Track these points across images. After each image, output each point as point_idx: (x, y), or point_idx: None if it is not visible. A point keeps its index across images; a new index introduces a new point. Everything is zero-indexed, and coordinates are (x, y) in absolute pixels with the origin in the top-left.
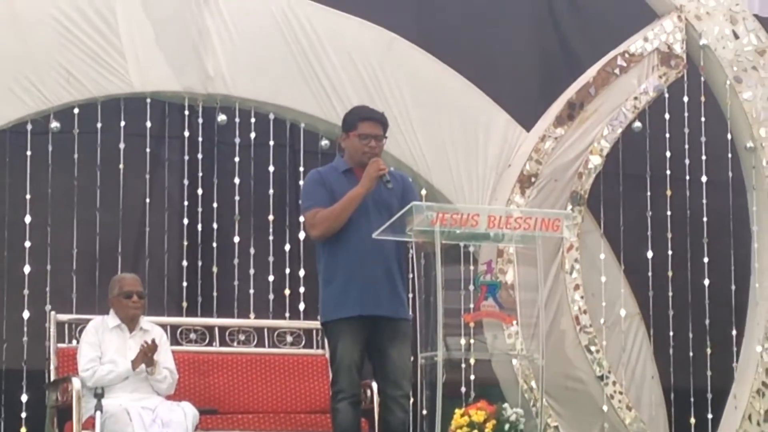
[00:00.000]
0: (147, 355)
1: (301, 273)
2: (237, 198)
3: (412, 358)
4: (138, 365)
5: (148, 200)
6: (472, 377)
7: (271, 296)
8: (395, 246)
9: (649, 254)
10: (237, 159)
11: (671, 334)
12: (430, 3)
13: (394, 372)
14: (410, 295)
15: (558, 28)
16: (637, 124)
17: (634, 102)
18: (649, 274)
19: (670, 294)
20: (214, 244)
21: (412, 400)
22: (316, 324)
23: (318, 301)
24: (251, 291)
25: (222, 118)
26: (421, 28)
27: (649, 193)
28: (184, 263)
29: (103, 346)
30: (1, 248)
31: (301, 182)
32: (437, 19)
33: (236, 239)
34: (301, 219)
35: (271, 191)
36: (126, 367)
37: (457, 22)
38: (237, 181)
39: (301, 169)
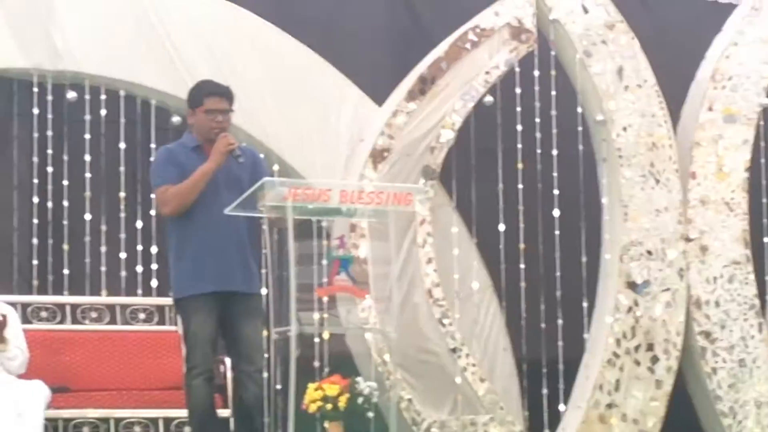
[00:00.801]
0: None
1: (153, 250)
2: (88, 175)
3: (265, 333)
4: None
5: None
6: (326, 352)
7: (123, 273)
8: (246, 221)
9: (501, 227)
10: (88, 136)
11: (523, 306)
12: None
13: (248, 347)
14: (263, 271)
15: (409, 2)
16: (489, 98)
17: (485, 76)
18: (501, 246)
19: (522, 266)
20: (65, 222)
21: (266, 375)
22: (168, 301)
23: (170, 278)
24: (103, 268)
25: (72, 95)
26: (272, 3)
27: (500, 167)
28: (34, 241)
29: None
30: None
31: (153, 159)
32: None
33: (87, 217)
34: (153, 196)
35: (122, 168)
36: None
37: None
38: (88, 158)
39: (153, 146)
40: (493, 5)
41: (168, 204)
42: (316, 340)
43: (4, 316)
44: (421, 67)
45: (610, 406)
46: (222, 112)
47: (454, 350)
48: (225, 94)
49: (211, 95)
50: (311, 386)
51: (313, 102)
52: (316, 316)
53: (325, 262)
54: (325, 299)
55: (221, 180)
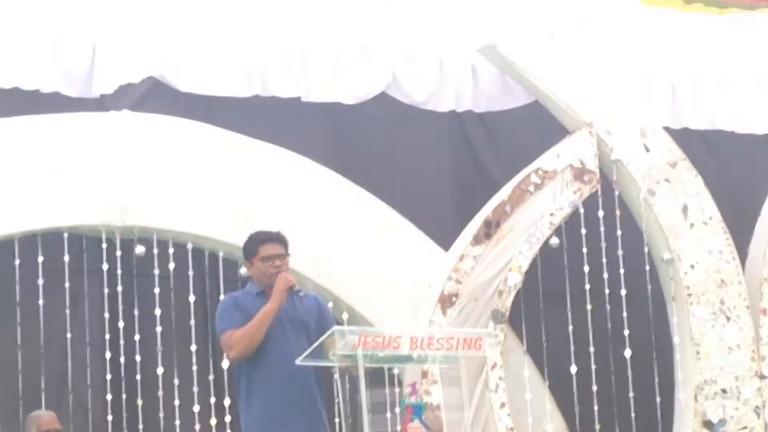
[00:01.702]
0: None
1: (227, 402)
2: (159, 329)
3: None
4: None
5: (69, 335)
6: None
7: (198, 426)
8: (313, 366)
9: (573, 369)
10: (157, 290)
11: None
12: (344, 128)
13: None
14: (336, 420)
15: (471, 147)
16: (554, 240)
17: (550, 218)
18: (574, 389)
19: (596, 408)
20: (138, 377)
21: None
22: None
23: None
24: (177, 422)
25: (140, 249)
26: (335, 152)
27: (569, 309)
28: (108, 397)
29: None
30: None
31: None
32: (351, 143)
33: (160, 371)
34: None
35: (192, 321)
36: None
37: (371, 144)
38: (158, 312)
39: (222, 297)
40: (554, 147)
41: (234, 348)
42: None
43: None
44: (486, 211)
45: None
46: (278, 257)
47: None
48: (278, 238)
49: (265, 242)
50: None
51: (380, 249)
52: None
53: (398, 409)
54: None
55: (287, 324)
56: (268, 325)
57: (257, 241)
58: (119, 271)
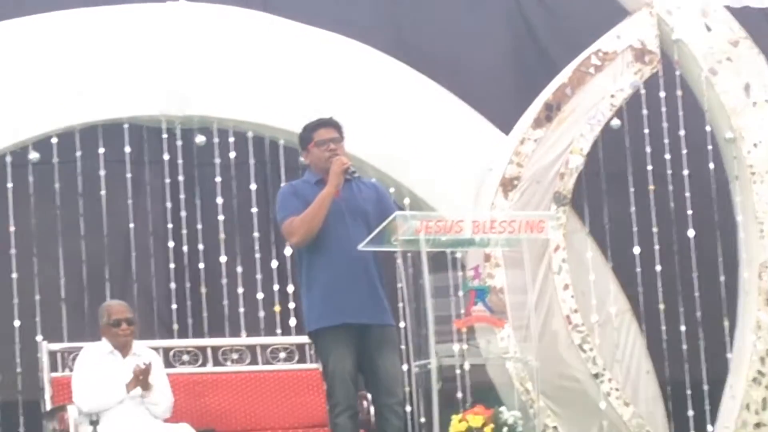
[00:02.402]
0: (140, 377)
1: (290, 289)
2: (221, 218)
3: (405, 367)
4: (132, 388)
5: (132, 225)
6: (468, 383)
7: (262, 313)
8: (373, 253)
9: (636, 250)
10: (218, 179)
11: (663, 328)
12: (404, 14)
13: (386, 380)
14: (400, 304)
15: (531, 30)
16: (616, 121)
17: (610, 100)
18: (638, 269)
19: (660, 288)
20: (201, 265)
21: (408, 408)
22: (308, 339)
23: (303, 311)
24: (241, 309)
25: (200, 139)
26: (395, 38)
27: (632, 190)
28: (172, 286)
29: (97, 372)
30: None
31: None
32: (411, 29)
33: (223, 259)
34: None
35: (254, 209)
36: (120, 391)
37: (431, 30)
38: (220, 201)
39: (283, 185)
40: (614, 28)
41: (294, 234)
42: (457, 371)
43: (147, 364)
44: (546, 94)
45: (758, 425)
46: (333, 140)
47: (596, 375)
48: (331, 123)
49: (318, 127)
50: (455, 418)
51: (441, 134)
52: (455, 347)
53: (461, 293)
54: (464, 330)
55: (346, 212)
56: (326, 209)
57: (311, 127)
58: (180, 161)
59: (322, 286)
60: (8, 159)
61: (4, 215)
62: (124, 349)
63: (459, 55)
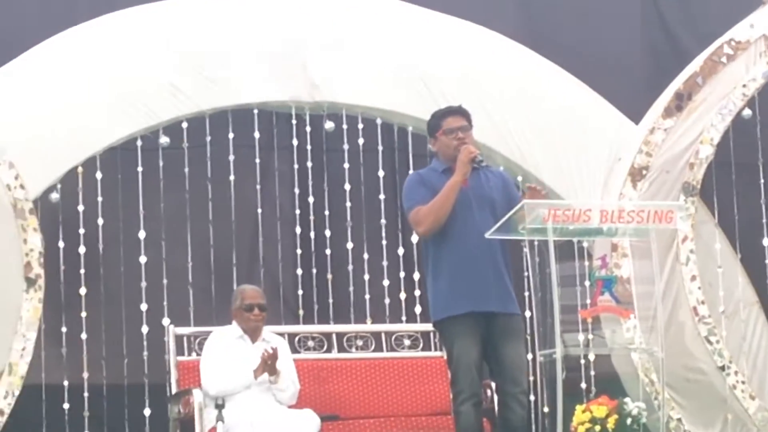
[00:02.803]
0: (268, 363)
1: (416, 276)
2: (348, 204)
3: (530, 356)
4: (260, 374)
5: (260, 210)
6: (592, 373)
7: (387, 300)
8: (500, 242)
9: (765, 242)
10: (346, 165)
11: None
12: (537, 3)
13: (511, 369)
14: (526, 293)
15: (662, 18)
16: (747, 111)
17: (742, 89)
18: (766, 261)
19: None
20: (328, 251)
21: (533, 397)
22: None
23: (429, 300)
24: (367, 296)
25: (330, 125)
26: (525, 26)
27: (762, 181)
28: (299, 271)
29: (226, 356)
30: (118, 265)
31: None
32: (539, 16)
33: (349, 245)
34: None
35: (382, 196)
36: (248, 376)
37: (561, 18)
38: (347, 187)
39: (411, 172)
40: (748, 17)
41: (422, 223)
42: (582, 361)
43: (275, 349)
44: (677, 83)
45: None
46: (461, 129)
47: (722, 368)
48: (460, 111)
49: (447, 116)
50: (579, 408)
51: (570, 122)
52: (581, 337)
53: (587, 282)
54: (589, 320)
55: (473, 200)
56: (454, 199)
57: (439, 115)
58: (309, 147)
59: (448, 274)
60: (139, 143)
61: (134, 199)
62: (253, 334)
63: (589, 42)
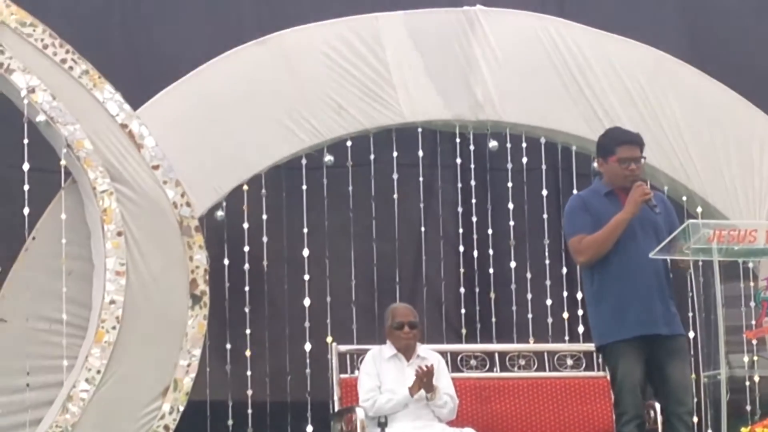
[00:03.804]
0: (423, 379)
1: (578, 295)
2: (511, 223)
3: (693, 377)
4: (416, 391)
5: (423, 229)
6: (757, 395)
7: (550, 320)
8: (663, 263)
9: None
10: (510, 184)
11: None
12: (698, 18)
13: (677, 389)
14: (689, 314)
15: None
16: None
17: None
18: None
19: None
20: (491, 270)
21: (695, 419)
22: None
23: (591, 324)
24: (530, 315)
25: (493, 144)
26: (689, 43)
27: None
28: (462, 290)
29: (381, 375)
30: (282, 282)
31: (565, 207)
32: (706, 34)
33: (512, 264)
34: None
35: (545, 215)
36: (404, 394)
37: (725, 36)
38: (511, 206)
39: (575, 191)
40: None
41: (583, 254)
42: (747, 383)
43: (430, 366)
44: None
45: None
46: (635, 161)
47: None
48: (637, 141)
49: (623, 144)
50: (743, 430)
51: (734, 141)
52: (745, 358)
53: (753, 303)
54: (755, 341)
55: (637, 225)
56: (619, 234)
57: (615, 141)
58: (472, 166)
59: (613, 298)
60: (303, 162)
61: (299, 217)
62: (407, 352)
63: (754, 60)
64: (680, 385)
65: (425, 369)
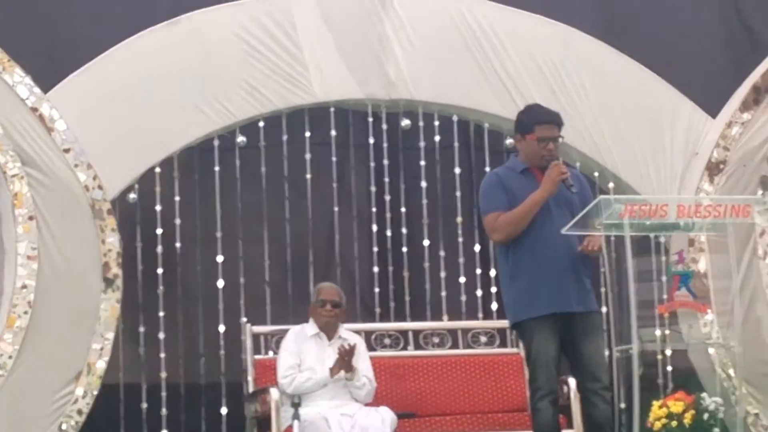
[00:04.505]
0: (344, 359)
1: (492, 273)
2: (424, 201)
3: (607, 352)
4: (336, 372)
5: (336, 209)
6: (669, 368)
7: (464, 297)
8: (578, 240)
9: None
10: (423, 163)
11: None
12: None
13: (592, 365)
14: (602, 289)
15: (740, 12)
16: None
17: None
18: None
19: None
20: (404, 249)
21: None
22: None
23: (504, 302)
24: (443, 293)
25: (406, 122)
26: (599, 19)
27: None
28: (375, 269)
29: (302, 354)
30: (194, 264)
31: (481, 184)
32: (616, 9)
33: (426, 243)
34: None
35: (458, 193)
36: (324, 374)
37: (637, 10)
38: (424, 184)
39: (487, 169)
40: None
41: (499, 231)
42: (659, 357)
43: (352, 346)
44: (755, 77)
45: None
46: (553, 140)
47: None
48: (556, 121)
49: (542, 123)
50: (656, 404)
51: (646, 117)
52: (657, 332)
53: (664, 278)
54: (666, 315)
55: (552, 203)
56: (535, 213)
57: (534, 119)
58: (385, 145)
59: (527, 276)
60: (216, 143)
61: (211, 198)
62: (329, 331)
63: (666, 37)
64: (595, 362)
65: (347, 348)
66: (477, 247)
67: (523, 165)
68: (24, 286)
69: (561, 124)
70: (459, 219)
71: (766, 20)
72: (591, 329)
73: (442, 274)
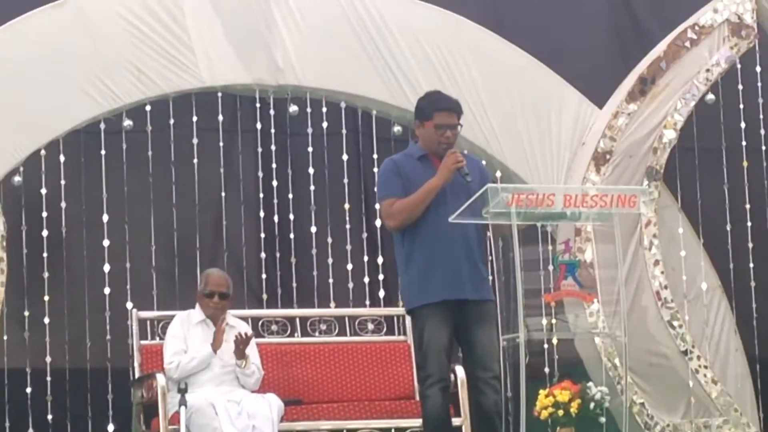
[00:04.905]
0: (239, 346)
1: (380, 260)
2: (312, 188)
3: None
4: (218, 346)
5: (223, 194)
6: (555, 357)
7: (351, 285)
8: (474, 228)
9: (728, 226)
10: (310, 149)
11: (754, 305)
12: None
13: (483, 354)
14: (490, 277)
15: (627, 3)
16: (710, 96)
17: (706, 74)
18: (729, 246)
19: (751, 265)
20: (292, 235)
21: None
22: (397, 311)
23: (397, 287)
24: (330, 280)
25: (293, 108)
26: (489, 9)
27: (725, 165)
28: (262, 255)
29: (188, 339)
30: (81, 248)
31: (376, 169)
32: (510, 2)
33: (313, 229)
34: (377, 207)
35: (345, 180)
36: (207, 351)
37: (530, 3)
38: (311, 171)
39: (375, 156)
40: (711, 2)
41: (394, 217)
42: (545, 345)
43: (250, 335)
44: (641, 68)
45: None
46: (451, 128)
47: (685, 352)
48: (455, 109)
49: (441, 110)
50: (542, 393)
51: (533, 107)
52: (544, 321)
53: (551, 267)
54: (553, 304)
55: (448, 191)
56: (430, 200)
57: (433, 106)
58: (273, 130)
59: (422, 262)
60: (102, 126)
61: (97, 182)
62: (215, 318)
63: (553, 26)
64: (486, 351)
65: (244, 337)
66: (364, 234)
67: (421, 152)
68: None
69: (460, 113)
70: (347, 206)
71: (654, 11)
72: (483, 318)
73: (330, 261)
